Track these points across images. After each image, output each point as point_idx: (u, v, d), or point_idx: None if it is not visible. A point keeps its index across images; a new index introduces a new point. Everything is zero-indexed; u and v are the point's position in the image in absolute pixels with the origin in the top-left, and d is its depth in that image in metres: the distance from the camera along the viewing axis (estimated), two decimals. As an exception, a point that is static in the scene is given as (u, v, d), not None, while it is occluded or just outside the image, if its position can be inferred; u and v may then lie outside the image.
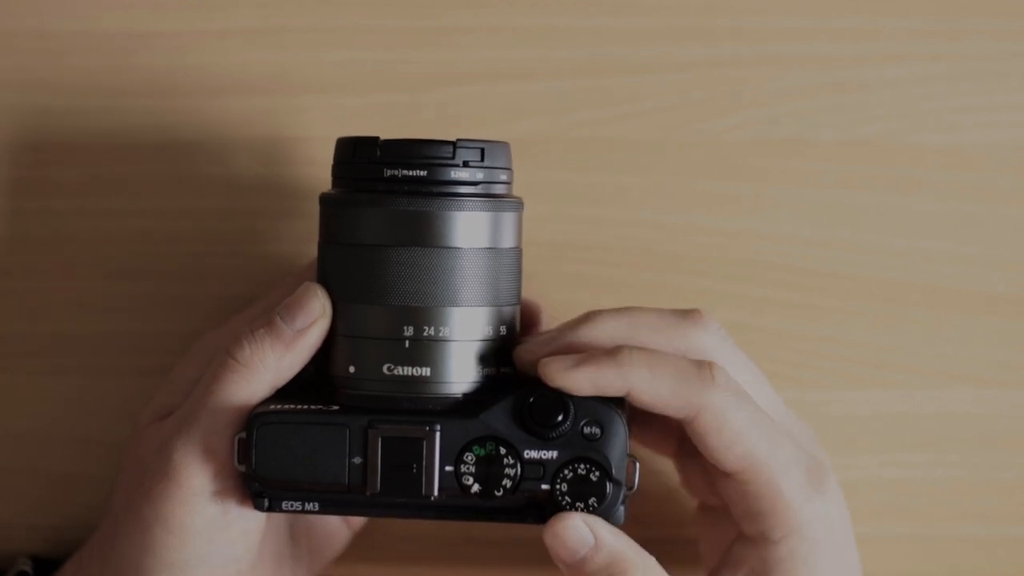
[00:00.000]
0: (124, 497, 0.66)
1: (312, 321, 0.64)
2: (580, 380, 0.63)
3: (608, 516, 0.63)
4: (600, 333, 0.66)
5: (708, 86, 0.77)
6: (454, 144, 0.64)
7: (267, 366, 0.64)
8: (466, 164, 0.64)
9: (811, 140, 0.77)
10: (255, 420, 0.63)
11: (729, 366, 0.66)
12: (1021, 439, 0.78)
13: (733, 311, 0.77)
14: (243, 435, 0.63)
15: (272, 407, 0.63)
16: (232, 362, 0.64)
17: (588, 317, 0.66)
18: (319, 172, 0.75)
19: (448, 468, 0.63)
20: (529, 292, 0.70)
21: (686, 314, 0.67)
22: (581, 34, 0.77)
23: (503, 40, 0.76)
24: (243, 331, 0.65)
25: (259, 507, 0.64)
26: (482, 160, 0.64)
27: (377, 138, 0.64)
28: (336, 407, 0.63)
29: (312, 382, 0.66)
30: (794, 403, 0.77)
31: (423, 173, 0.64)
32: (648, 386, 0.63)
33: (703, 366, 0.64)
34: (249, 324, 0.65)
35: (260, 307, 0.69)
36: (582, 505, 0.63)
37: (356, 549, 0.77)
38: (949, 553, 0.78)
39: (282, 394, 0.65)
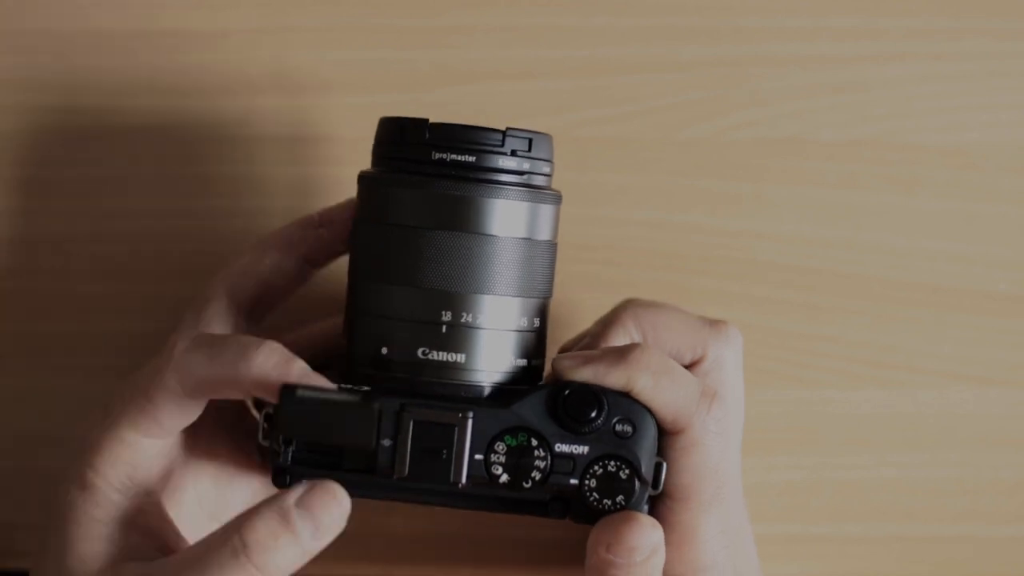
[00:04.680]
0: None
1: (336, 529, 0.62)
2: (585, 375, 0.64)
3: None
4: (625, 336, 0.67)
5: (708, 86, 0.77)
6: (503, 132, 0.64)
7: (284, 572, 0.61)
8: (514, 153, 0.64)
9: (811, 140, 0.77)
10: (284, 399, 0.62)
11: (728, 388, 0.67)
12: (1021, 439, 0.78)
13: (733, 311, 0.77)
14: (270, 410, 0.63)
15: (300, 386, 0.62)
16: (250, 566, 0.60)
17: (618, 316, 0.67)
18: (320, 171, 0.75)
19: (478, 456, 0.62)
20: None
21: (713, 323, 0.68)
22: (581, 34, 0.77)
23: (503, 40, 0.76)
24: (263, 536, 0.61)
25: (280, 485, 0.63)
26: (529, 150, 0.64)
27: (426, 120, 0.64)
28: (366, 388, 0.63)
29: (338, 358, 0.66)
30: (794, 403, 0.77)
31: (472, 159, 0.63)
32: (647, 391, 0.63)
33: (706, 395, 0.64)
34: (263, 519, 0.61)
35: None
36: (609, 503, 0.63)
37: (356, 549, 0.77)
38: (949, 553, 0.79)
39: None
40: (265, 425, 0.63)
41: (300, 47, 0.76)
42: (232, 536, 0.60)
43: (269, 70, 0.76)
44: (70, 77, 0.76)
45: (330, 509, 0.61)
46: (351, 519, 0.76)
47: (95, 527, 0.64)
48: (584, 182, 0.77)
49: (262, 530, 0.60)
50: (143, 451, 0.64)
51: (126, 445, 0.64)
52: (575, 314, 0.75)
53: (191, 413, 0.64)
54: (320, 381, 0.62)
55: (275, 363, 0.62)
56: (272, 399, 0.62)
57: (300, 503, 0.61)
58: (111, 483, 0.64)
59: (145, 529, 0.64)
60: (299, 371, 0.62)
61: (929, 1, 0.77)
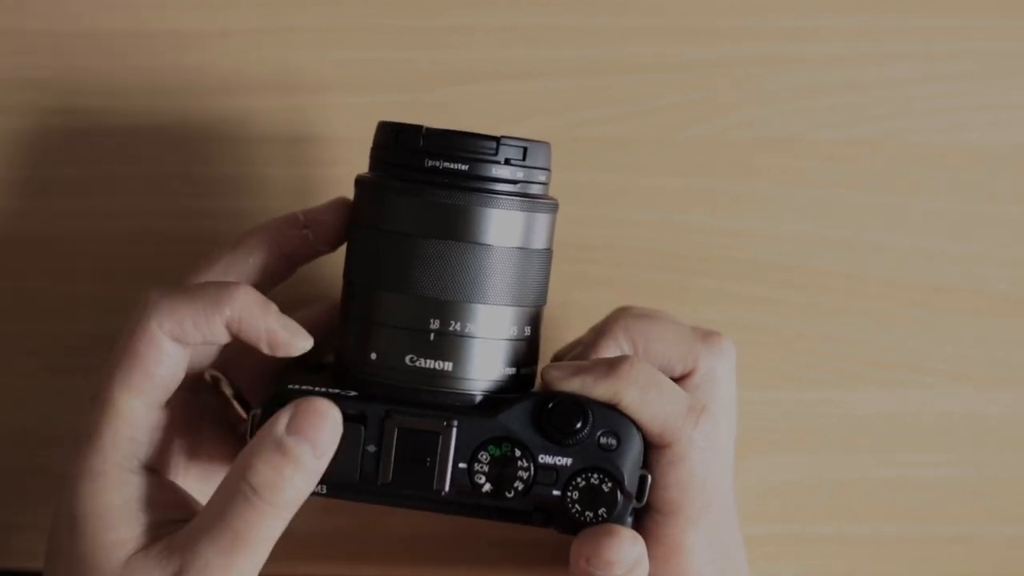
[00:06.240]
0: None
1: (334, 447, 0.62)
2: (573, 386, 0.64)
3: None
4: (615, 348, 0.66)
5: (708, 86, 0.77)
6: (497, 140, 0.64)
7: (301, 499, 0.62)
8: (507, 162, 0.64)
9: (811, 140, 0.77)
10: (274, 400, 0.62)
11: (720, 401, 0.66)
12: (1021, 439, 0.78)
13: (733, 311, 0.77)
14: (258, 411, 0.63)
15: (290, 387, 0.63)
16: (271, 508, 0.61)
17: (609, 327, 0.67)
18: (320, 171, 0.75)
19: (462, 465, 0.63)
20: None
21: (705, 335, 0.67)
22: (581, 34, 0.77)
23: (503, 40, 0.76)
24: (270, 476, 0.61)
25: None
26: (523, 159, 0.64)
27: (421, 126, 0.64)
28: (354, 393, 0.63)
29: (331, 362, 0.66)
30: (794, 403, 0.77)
31: (464, 167, 0.63)
32: (634, 405, 0.63)
33: (694, 409, 0.64)
34: (261, 457, 0.62)
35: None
36: (591, 515, 0.63)
37: (357, 549, 0.77)
38: (949, 553, 0.79)
39: (299, 373, 0.65)
40: (253, 426, 0.63)
41: (300, 47, 0.76)
42: (240, 484, 0.61)
43: (269, 70, 0.76)
44: (70, 77, 0.76)
45: (321, 426, 0.61)
46: (350, 519, 0.77)
47: (114, 514, 0.63)
48: (584, 182, 0.77)
49: (265, 470, 0.61)
50: (141, 420, 0.64)
51: (123, 416, 0.64)
52: (574, 315, 0.75)
53: (176, 363, 0.64)
54: (294, 326, 0.63)
55: (253, 301, 0.63)
56: (251, 342, 0.63)
57: (291, 428, 0.61)
58: (119, 464, 0.64)
59: (164, 505, 0.64)
60: (276, 313, 0.63)
61: (929, 1, 0.77)
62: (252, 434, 0.63)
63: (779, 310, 0.77)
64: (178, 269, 0.76)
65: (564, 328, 0.76)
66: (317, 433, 0.61)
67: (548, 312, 0.73)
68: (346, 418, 0.62)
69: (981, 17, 0.77)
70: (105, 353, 0.76)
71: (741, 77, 0.77)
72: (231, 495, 0.61)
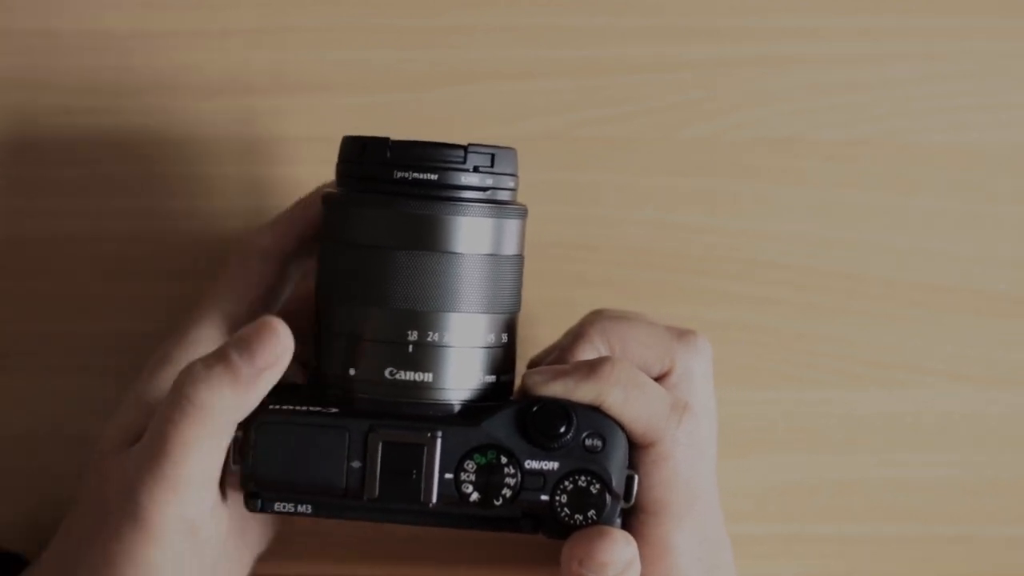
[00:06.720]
0: (85, 530, 0.64)
1: (274, 361, 0.62)
2: (555, 390, 0.64)
3: None
4: (592, 351, 0.66)
5: (708, 86, 0.77)
6: (465, 149, 0.64)
7: (225, 407, 0.62)
8: (476, 169, 0.64)
9: (811, 140, 0.77)
10: (253, 420, 0.62)
11: (698, 400, 0.66)
12: (1021, 439, 0.78)
13: (733, 311, 0.77)
14: (239, 435, 0.63)
15: (270, 407, 0.63)
16: (189, 406, 0.61)
17: (585, 330, 0.67)
18: (320, 171, 0.75)
19: (448, 475, 0.62)
20: (529, 292, 0.70)
21: (681, 334, 0.67)
22: (581, 34, 0.77)
23: (503, 40, 0.77)
24: (197, 369, 0.62)
25: (252, 508, 0.63)
26: (492, 166, 0.64)
27: (387, 139, 0.64)
28: (335, 409, 0.63)
29: (309, 381, 0.66)
30: (794, 403, 0.77)
31: (434, 177, 0.63)
32: (617, 405, 0.63)
33: (676, 408, 0.64)
34: (203, 359, 0.62)
35: (212, 304, 0.68)
36: (581, 517, 0.63)
37: (356, 549, 0.77)
38: (949, 553, 0.78)
39: (278, 393, 0.65)
40: (234, 450, 0.63)
41: (300, 47, 0.76)
42: (173, 388, 0.62)
43: (269, 70, 0.76)
44: (70, 77, 0.76)
45: (263, 337, 0.62)
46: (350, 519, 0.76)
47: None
48: (584, 182, 0.77)
49: (196, 368, 0.62)
50: (234, 324, 0.67)
51: (218, 315, 0.68)
52: (574, 314, 0.75)
53: (272, 273, 0.68)
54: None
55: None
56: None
57: (235, 338, 0.62)
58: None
59: None
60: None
61: (929, 1, 0.77)
62: (234, 459, 0.63)
63: (779, 310, 0.77)
64: (178, 269, 0.76)
65: (563, 329, 0.75)
66: (257, 344, 0.61)
67: (547, 312, 0.74)
68: (329, 435, 0.62)
69: (981, 17, 0.77)
70: (105, 353, 0.77)
71: (741, 77, 0.77)
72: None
